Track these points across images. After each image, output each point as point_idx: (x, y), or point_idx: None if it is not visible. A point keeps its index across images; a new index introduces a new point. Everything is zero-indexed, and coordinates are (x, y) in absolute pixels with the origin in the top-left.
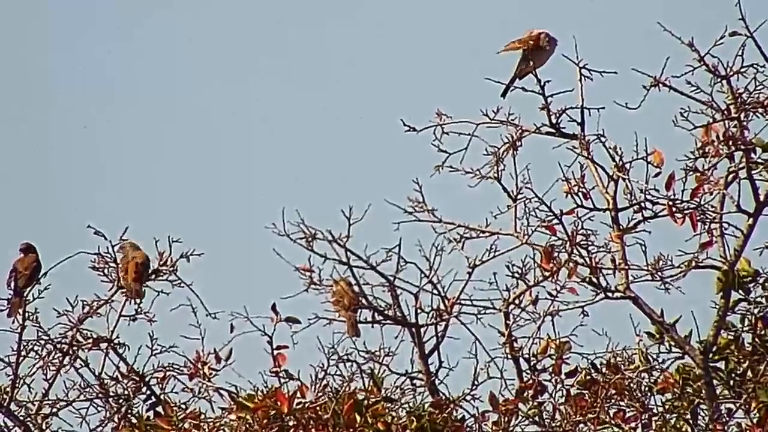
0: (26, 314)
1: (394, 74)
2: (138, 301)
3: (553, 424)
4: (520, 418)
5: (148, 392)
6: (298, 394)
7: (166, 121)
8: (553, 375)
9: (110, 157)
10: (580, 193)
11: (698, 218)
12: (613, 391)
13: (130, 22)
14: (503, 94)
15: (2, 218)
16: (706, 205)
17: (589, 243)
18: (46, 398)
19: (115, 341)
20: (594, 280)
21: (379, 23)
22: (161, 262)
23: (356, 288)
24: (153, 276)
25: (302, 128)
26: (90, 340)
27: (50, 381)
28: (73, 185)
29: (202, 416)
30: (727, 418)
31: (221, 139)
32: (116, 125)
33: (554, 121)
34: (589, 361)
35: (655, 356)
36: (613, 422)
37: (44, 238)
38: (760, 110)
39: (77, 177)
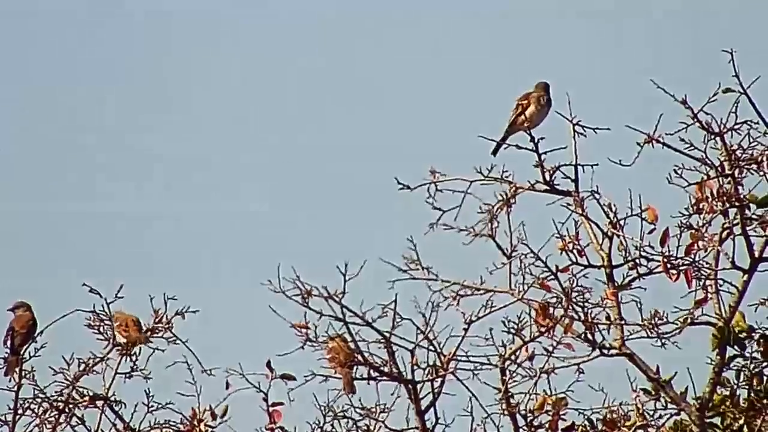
0: (23, 372)
1: (388, 130)
2: (138, 349)
3: None
4: None
5: None
6: None
7: (161, 175)
8: (549, 431)
9: (107, 210)
10: (574, 250)
11: (693, 275)
12: None
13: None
14: (494, 152)
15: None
16: (700, 262)
17: (585, 300)
18: None
19: (111, 399)
20: (589, 336)
21: (372, 81)
22: (156, 320)
23: (352, 344)
24: (148, 333)
25: (298, 185)
26: (86, 398)
27: None
28: (68, 242)
29: None
30: None
31: (218, 195)
32: (109, 179)
33: (548, 178)
34: (586, 417)
35: (651, 413)
36: None
37: (40, 295)
38: (754, 166)
39: (73, 234)
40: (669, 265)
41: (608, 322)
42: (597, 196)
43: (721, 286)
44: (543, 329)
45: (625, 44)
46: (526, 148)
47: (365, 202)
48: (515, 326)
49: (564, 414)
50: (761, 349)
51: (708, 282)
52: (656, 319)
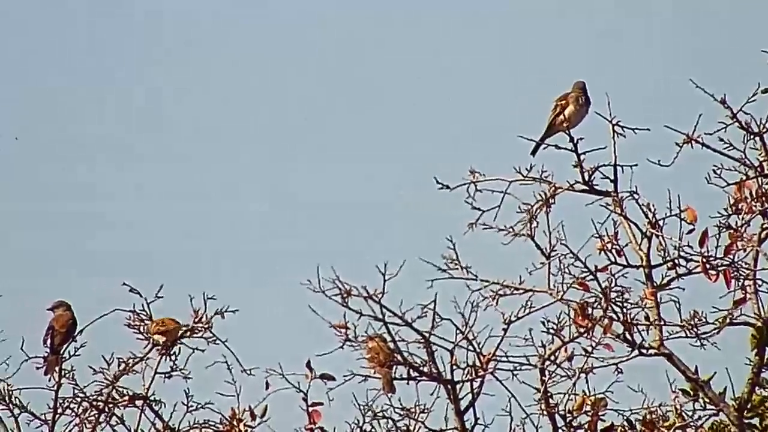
0: (62, 372)
1: (428, 130)
2: (178, 349)
3: None
4: None
5: None
6: None
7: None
8: None
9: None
10: (613, 250)
11: (732, 275)
12: None
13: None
14: (533, 152)
15: (39, 276)
16: (739, 262)
17: (623, 300)
18: None
19: (151, 398)
20: (628, 337)
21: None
22: (196, 319)
23: (391, 344)
24: (188, 333)
25: (336, 187)
26: (126, 398)
27: None
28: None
29: None
30: None
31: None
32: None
33: (587, 178)
34: (625, 418)
35: (690, 413)
36: None
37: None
38: None
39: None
40: (708, 266)
41: (647, 322)
42: (636, 196)
43: (760, 286)
44: (582, 330)
45: (660, 44)
46: (565, 148)
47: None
48: (555, 326)
49: (603, 414)
50: None
51: (747, 282)
52: (695, 319)
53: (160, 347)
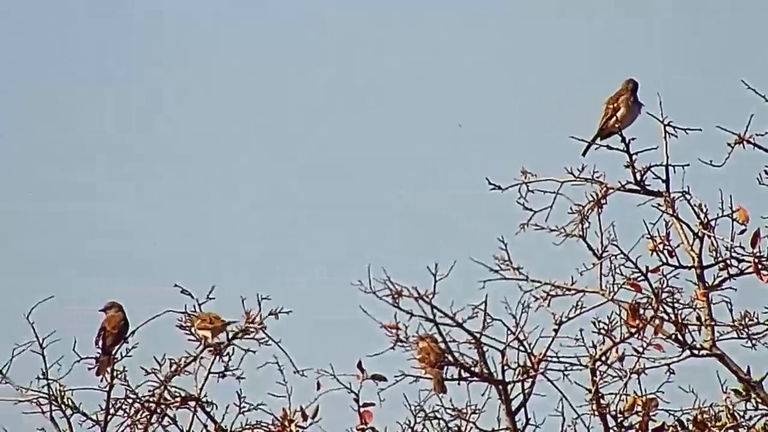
0: (114, 373)
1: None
2: (231, 350)
3: None
4: None
5: None
6: None
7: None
8: None
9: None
10: (665, 251)
11: None
12: None
13: None
14: (584, 153)
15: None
16: None
17: (675, 300)
18: None
19: (203, 399)
20: (680, 337)
21: (461, 81)
22: (249, 320)
23: (442, 345)
24: (241, 334)
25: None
26: (178, 398)
27: None
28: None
29: None
30: None
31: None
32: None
33: (639, 178)
34: (676, 419)
35: (742, 413)
36: None
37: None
38: None
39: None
40: (760, 266)
41: (699, 323)
42: (688, 196)
43: None
44: (633, 330)
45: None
46: (616, 149)
47: (455, 202)
48: (606, 327)
49: (654, 415)
50: None
51: None
52: (746, 319)
53: (211, 347)
